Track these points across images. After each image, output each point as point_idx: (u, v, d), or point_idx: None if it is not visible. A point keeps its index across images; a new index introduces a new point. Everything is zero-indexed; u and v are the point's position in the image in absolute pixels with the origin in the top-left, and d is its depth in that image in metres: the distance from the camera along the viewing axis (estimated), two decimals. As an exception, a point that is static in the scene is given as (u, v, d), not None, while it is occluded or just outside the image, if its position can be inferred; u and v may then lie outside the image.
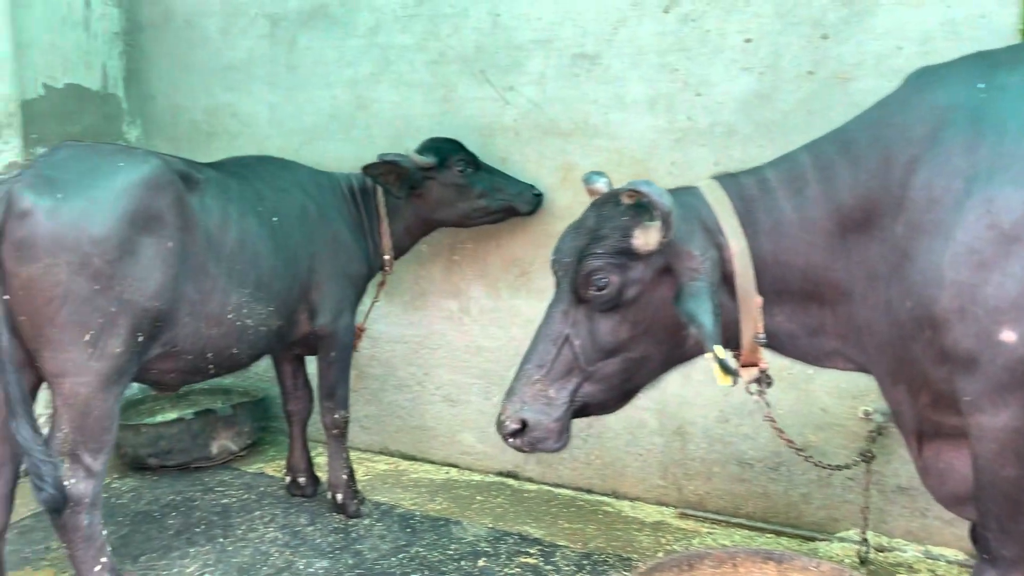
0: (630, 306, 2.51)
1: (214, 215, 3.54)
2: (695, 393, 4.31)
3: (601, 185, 2.76)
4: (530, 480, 4.87)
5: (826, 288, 2.50)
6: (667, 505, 4.47)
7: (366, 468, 5.04)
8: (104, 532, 3.27)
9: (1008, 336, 2.10)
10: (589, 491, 4.69)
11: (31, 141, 5.10)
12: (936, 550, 3.86)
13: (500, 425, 2.60)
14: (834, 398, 4.00)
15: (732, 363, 2.44)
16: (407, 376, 5.22)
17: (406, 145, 4.36)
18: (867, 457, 3.73)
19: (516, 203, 4.42)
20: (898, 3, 3.66)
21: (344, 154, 5.01)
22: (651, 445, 4.49)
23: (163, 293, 3.27)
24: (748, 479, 4.26)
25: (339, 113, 5.18)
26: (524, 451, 2.62)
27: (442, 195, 4.35)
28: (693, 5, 4.11)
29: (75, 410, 3.10)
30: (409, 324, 5.15)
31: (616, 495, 4.61)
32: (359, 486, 4.59)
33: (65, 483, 3.10)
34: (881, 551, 3.90)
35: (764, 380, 2.66)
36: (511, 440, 2.60)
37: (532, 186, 4.46)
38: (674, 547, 4.03)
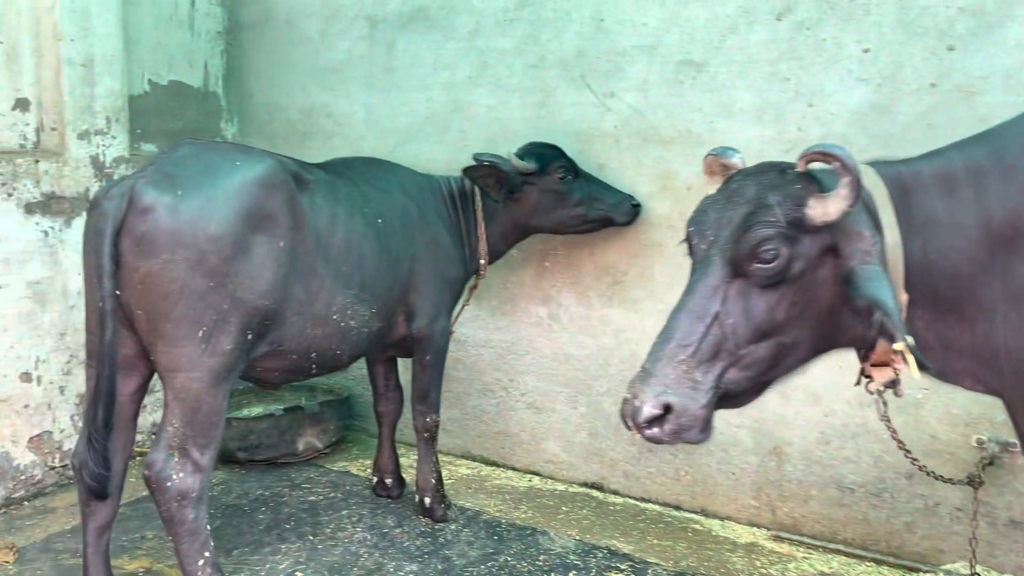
0: (792, 284, 2.28)
1: (323, 216, 3.55)
2: (794, 413, 4.19)
3: (737, 160, 2.56)
4: (615, 493, 4.79)
5: (968, 301, 2.34)
6: (759, 526, 4.35)
7: (448, 472, 5.02)
8: (208, 527, 3.29)
9: None
10: (677, 507, 4.59)
11: (136, 136, 5.23)
12: (1051, 589, 3.69)
13: (635, 411, 2.21)
14: (945, 425, 3.83)
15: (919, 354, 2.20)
16: (492, 381, 5.19)
17: (507, 150, 4.32)
18: (975, 483, 3.55)
19: (613, 214, 4.35)
20: (1032, 15, 3.50)
21: (438, 156, 5.03)
22: (745, 464, 4.38)
23: (273, 292, 3.29)
24: (848, 504, 4.11)
25: (435, 115, 5.18)
26: (662, 442, 2.28)
27: (540, 201, 4.31)
28: (808, 13, 3.99)
29: (186, 405, 3.14)
30: (497, 329, 5.12)
31: (705, 513, 4.51)
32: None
33: (174, 476, 3.14)
34: (991, 587, 3.74)
35: (897, 382, 2.50)
36: (648, 429, 2.22)
37: (631, 196, 4.38)
38: (769, 571, 3.91)
